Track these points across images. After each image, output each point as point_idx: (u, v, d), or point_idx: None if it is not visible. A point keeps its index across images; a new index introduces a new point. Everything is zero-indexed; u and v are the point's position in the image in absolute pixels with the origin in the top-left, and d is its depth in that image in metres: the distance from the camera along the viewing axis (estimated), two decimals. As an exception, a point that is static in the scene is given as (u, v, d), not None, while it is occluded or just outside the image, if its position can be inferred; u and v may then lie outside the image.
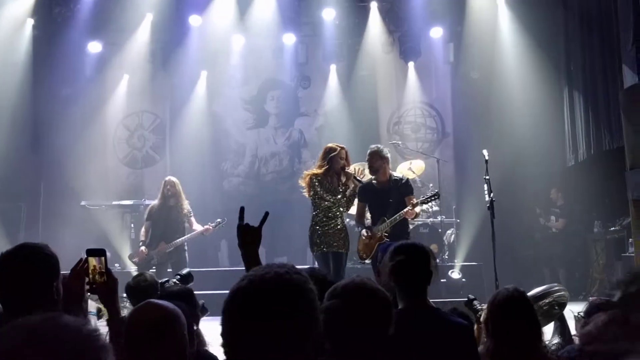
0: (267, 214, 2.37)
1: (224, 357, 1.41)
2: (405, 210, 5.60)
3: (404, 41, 9.99)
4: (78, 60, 9.86)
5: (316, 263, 5.83)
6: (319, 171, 5.72)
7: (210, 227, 7.14)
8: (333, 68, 10.37)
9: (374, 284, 2.04)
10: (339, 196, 5.71)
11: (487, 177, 5.78)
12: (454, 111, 10.35)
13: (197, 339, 2.67)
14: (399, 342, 2.03)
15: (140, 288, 3.67)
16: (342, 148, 5.80)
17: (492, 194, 5.72)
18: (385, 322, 1.96)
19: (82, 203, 8.95)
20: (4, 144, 8.76)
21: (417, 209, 5.92)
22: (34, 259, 2.17)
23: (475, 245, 8.38)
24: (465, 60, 9.97)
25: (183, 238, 7.09)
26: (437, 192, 6.16)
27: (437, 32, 10.03)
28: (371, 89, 10.36)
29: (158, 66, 10.14)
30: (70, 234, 8.38)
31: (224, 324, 1.40)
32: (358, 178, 5.82)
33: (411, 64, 10.21)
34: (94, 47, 9.91)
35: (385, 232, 5.66)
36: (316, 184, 5.68)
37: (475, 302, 3.54)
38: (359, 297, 1.95)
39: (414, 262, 2.60)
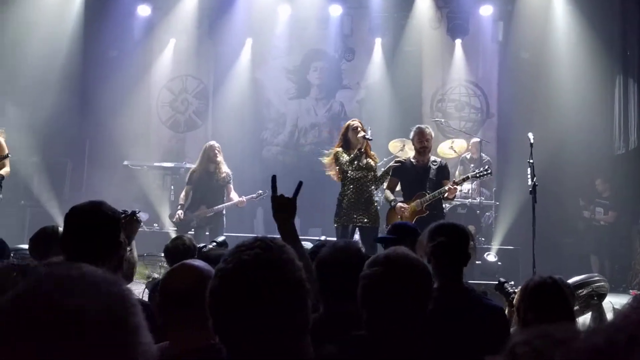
0: (300, 183, 2.35)
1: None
2: (447, 187, 5.60)
3: (452, 18, 9.81)
4: (127, 23, 10.00)
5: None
6: (337, 148, 5.90)
7: (245, 200, 7.23)
8: (378, 41, 10.24)
9: (416, 257, 2.02)
10: (362, 171, 5.73)
11: (531, 161, 5.68)
12: (499, 91, 10.14)
13: None
14: (432, 319, 2.02)
15: (178, 251, 3.76)
16: (352, 121, 5.91)
17: (535, 179, 5.63)
18: (424, 297, 1.95)
19: (125, 163, 9.13)
20: (54, 102, 8.98)
21: (465, 185, 5.89)
22: (105, 216, 2.32)
23: (514, 229, 8.27)
24: (515, 39, 9.73)
25: (222, 205, 7.20)
26: (488, 167, 6.09)
27: (486, 10, 9.81)
28: (416, 64, 10.21)
29: (204, 32, 10.20)
30: (113, 192, 8.58)
31: (210, 311, 1.44)
32: (368, 137, 5.76)
33: (458, 42, 10.01)
34: (143, 10, 10.04)
35: (426, 206, 5.68)
36: (338, 157, 5.79)
37: (506, 285, 3.49)
38: (401, 268, 1.93)
39: (454, 244, 2.58)
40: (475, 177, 6.02)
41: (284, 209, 2.26)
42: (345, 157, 5.75)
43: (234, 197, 7.25)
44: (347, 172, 5.76)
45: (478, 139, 8.80)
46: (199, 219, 7.19)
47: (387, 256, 1.97)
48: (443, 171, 5.88)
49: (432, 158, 5.96)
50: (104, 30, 9.79)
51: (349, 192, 5.75)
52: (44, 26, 9.20)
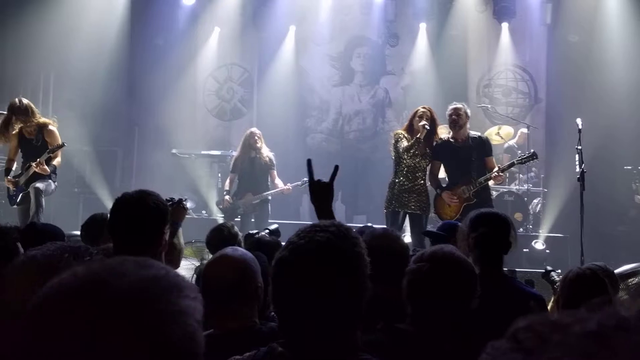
0: (336, 167, 2.33)
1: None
2: (494, 174, 5.52)
3: (499, 0, 9.58)
4: (172, 12, 10.16)
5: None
6: (402, 130, 5.85)
7: (290, 187, 7.29)
8: (422, 26, 10.10)
9: (463, 256, 2.03)
10: (418, 158, 5.69)
11: (580, 147, 5.55)
12: (548, 76, 9.88)
13: None
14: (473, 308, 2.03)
15: (221, 238, 3.83)
16: (424, 108, 5.80)
17: (583, 165, 5.50)
18: (468, 295, 1.97)
19: (173, 151, 9.32)
20: (103, 91, 9.23)
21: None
22: (150, 205, 2.41)
23: (562, 217, 8.09)
24: (564, 22, 9.45)
25: (268, 192, 7.29)
26: (533, 151, 5.95)
27: (535, -8, 9.56)
28: (461, 49, 10.05)
29: (248, 20, 10.27)
30: (161, 179, 8.81)
31: (272, 292, 1.44)
32: (425, 125, 5.66)
33: (505, 25, 9.78)
34: (188, -1, 10.19)
35: (473, 193, 5.61)
36: (400, 138, 5.76)
37: (552, 274, 3.45)
38: (447, 266, 1.95)
39: (496, 234, 2.56)
40: (520, 162, 5.91)
41: (321, 193, 2.26)
42: (404, 143, 5.72)
43: (279, 182, 7.32)
44: (402, 158, 5.74)
45: (526, 131, 8.62)
46: (245, 206, 7.31)
47: (434, 253, 2.00)
48: (484, 146, 5.77)
49: (472, 133, 5.83)
50: (150, 19, 9.98)
51: (402, 177, 5.72)
52: (93, 16, 9.43)
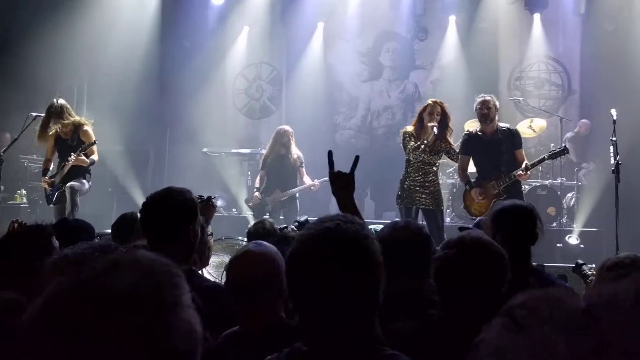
0: (357, 158, 2.31)
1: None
2: (520, 172, 5.43)
3: (531, -9, 9.41)
4: (202, 12, 10.27)
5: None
6: (411, 127, 5.79)
7: (318, 183, 7.32)
8: (452, 19, 9.98)
9: (491, 240, 2.00)
10: (427, 154, 5.62)
11: (614, 139, 5.43)
12: (582, 67, 9.65)
13: None
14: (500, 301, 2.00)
15: (258, 234, 3.88)
16: (434, 102, 5.71)
17: (618, 157, 5.38)
18: (499, 280, 1.93)
19: (204, 150, 9.43)
20: (135, 92, 9.37)
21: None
22: (176, 202, 2.46)
23: (597, 211, 7.90)
24: (599, 11, 9.21)
25: (296, 189, 7.34)
26: (565, 146, 5.83)
27: (568, -19, 9.35)
28: (492, 41, 9.89)
29: (276, 17, 10.31)
30: (193, 178, 8.91)
31: (287, 284, 1.44)
32: (434, 126, 5.58)
33: (537, 16, 9.60)
34: (217, -1, 10.28)
35: (503, 188, 5.53)
36: (406, 137, 5.71)
37: (584, 267, 3.38)
38: (475, 251, 1.92)
39: (520, 227, 2.52)
40: (551, 157, 5.78)
41: (342, 184, 2.25)
42: (411, 143, 5.66)
43: (307, 180, 7.36)
44: (411, 155, 5.71)
45: (587, 121, 8.52)
46: (273, 202, 7.37)
47: (462, 238, 1.97)
48: (513, 139, 5.65)
49: (500, 125, 5.72)
50: (179, 20, 10.10)
51: (412, 173, 5.70)
52: (125, 20, 9.58)
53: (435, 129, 5.56)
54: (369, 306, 1.39)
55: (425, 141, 5.59)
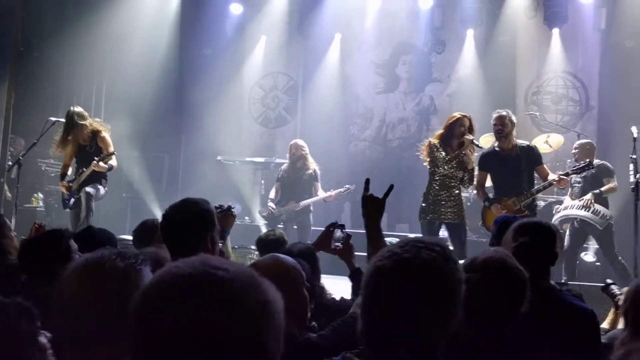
0: (391, 186, 2.40)
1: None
2: (552, 180, 5.40)
3: (550, 5, 9.34)
4: (220, 21, 10.35)
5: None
6: (436, 139, 5.69)
7: (332, 194, 7.35)
8: (470, 33, 9.96)
9: (515, 262, 1.98)
10: (455, 167, 5.58)
11: (634, 157, 5.38)
12: (600, 83, 9.56)
13: (321, 292, 2.84)
14: (521, 319, 1.98)
15: (269, 241, 3.91)
16: (463, 116, 5.66)
17: (637, 175, 5.33)
18: (519, 303, 1.92)
19: (218, 158, 9.47)
20: (152, 99, 9.46)
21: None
22: (193, 213, 2.54)
23: (615, 228, 7.80)
24: (619, 27, 9.14)
25: (310, 200, 7.36)
26: (589, 161, 5.74)
27: (588, -3, 9.30)
28: (510, 56, 9.85)
29: (294, 28, 10.35)
30: (206, 186, 8.94)
31: (364, 299, 1.44)
32: (477, 144, 5.63)
33: (556, 31, 9.53)
34: (236, 8, 10.34)
35: (524, 205, 5.48)
36: (434, 149, 5.62)
37: (613, 287, 3.32)
38: (498, 276, 1.91)
39: (539, 244, 2.47)
40: (575, 172, 5.72)
41: (375, 208, 2.30)
42: (442, 154, 5.60)
43: (322, 194, 7.40)
44: (439, 168, 5.63)
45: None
46: (287, 213, 7.40)
47: (485, 262, 1.95)
48: (532, 155, 5.63)
49: (519, 142, 5.68)
50: (198, 28, 10.18)
51: (436, 187, 5.63)
52: (144, 28, 9.68)
53: (476, 142, 5.55)
54: (440, 333, 1.43)
55: (462, 152, 5.54)
